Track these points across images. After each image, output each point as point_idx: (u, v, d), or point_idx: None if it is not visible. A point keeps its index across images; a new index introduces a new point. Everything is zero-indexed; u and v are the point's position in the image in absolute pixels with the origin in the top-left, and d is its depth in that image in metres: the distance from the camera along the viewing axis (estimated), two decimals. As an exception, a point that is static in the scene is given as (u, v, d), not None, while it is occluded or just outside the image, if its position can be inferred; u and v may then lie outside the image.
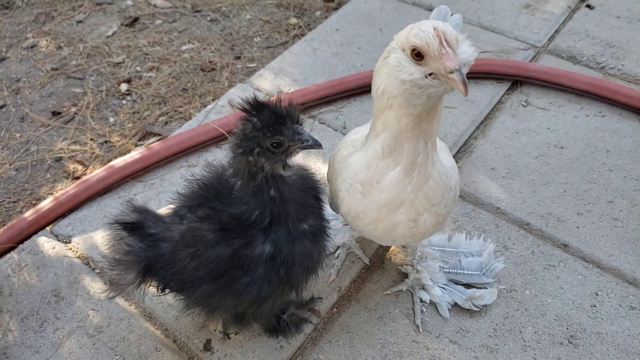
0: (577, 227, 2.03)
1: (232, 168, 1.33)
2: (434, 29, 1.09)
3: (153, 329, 1.78)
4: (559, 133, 2.41)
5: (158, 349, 1.72)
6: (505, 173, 2.24)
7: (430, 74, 1.12)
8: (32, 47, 3.26)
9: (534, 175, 2.23)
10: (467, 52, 1.14)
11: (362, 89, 2.59)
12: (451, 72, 1.07)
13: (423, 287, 1.82)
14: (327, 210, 2.00)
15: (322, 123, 2.50)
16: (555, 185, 2.18)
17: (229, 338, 1.74)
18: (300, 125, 1.25)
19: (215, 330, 1.76)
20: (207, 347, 1.72)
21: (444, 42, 1.08)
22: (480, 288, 1.81)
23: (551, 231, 2.02)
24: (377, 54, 2.84)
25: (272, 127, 1.20)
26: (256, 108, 1.22)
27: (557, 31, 2.98)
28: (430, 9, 3.17)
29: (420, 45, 1.10)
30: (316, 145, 1.25)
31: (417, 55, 1.12)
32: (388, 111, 1.24)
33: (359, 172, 1.38)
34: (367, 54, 2.87)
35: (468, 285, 1.83)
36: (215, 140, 2.40)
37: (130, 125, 2.67)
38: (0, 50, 3.25)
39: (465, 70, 1.11)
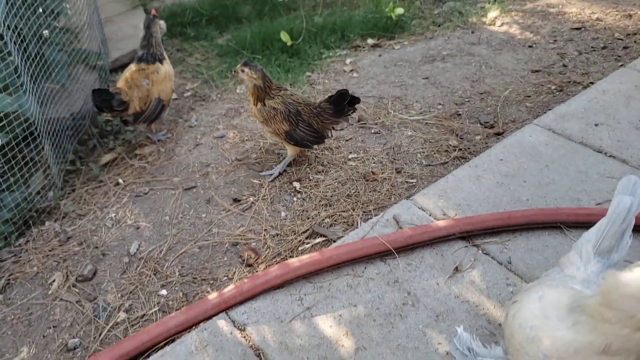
0: None
1: None
2: None
3: None
4: None
5: None
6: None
7: None
8: (221, 137, 3.78)
9: None
10: None
11: (529, 226, 2.59)
12: None
13: None
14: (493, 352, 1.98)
15: (486, 254, 2.53)
16: None
17: None
18: None
19: None
20: None
21: None
22: None
23: None
24: (543, 190, 2.88)
25: None
26: None
27: None
28: (600, 151, 3.15)
29: None
30: None
31: None
32: (635, 332, 1.26)
33: (563, 354, 1.38)
34: (533, 189, 2.89)
35: None
36: (381, 254, 2.52)
37: (299, 222, 2.92)
38: (197, 137, 3.82)
39: None
